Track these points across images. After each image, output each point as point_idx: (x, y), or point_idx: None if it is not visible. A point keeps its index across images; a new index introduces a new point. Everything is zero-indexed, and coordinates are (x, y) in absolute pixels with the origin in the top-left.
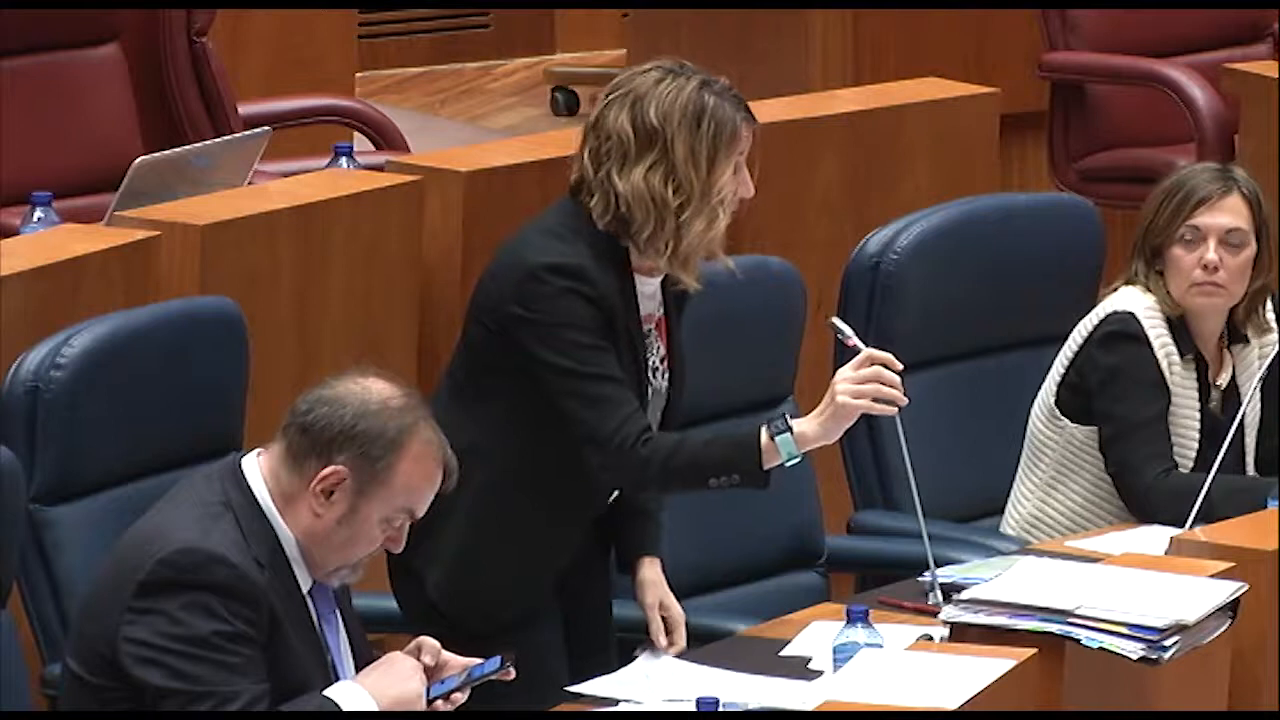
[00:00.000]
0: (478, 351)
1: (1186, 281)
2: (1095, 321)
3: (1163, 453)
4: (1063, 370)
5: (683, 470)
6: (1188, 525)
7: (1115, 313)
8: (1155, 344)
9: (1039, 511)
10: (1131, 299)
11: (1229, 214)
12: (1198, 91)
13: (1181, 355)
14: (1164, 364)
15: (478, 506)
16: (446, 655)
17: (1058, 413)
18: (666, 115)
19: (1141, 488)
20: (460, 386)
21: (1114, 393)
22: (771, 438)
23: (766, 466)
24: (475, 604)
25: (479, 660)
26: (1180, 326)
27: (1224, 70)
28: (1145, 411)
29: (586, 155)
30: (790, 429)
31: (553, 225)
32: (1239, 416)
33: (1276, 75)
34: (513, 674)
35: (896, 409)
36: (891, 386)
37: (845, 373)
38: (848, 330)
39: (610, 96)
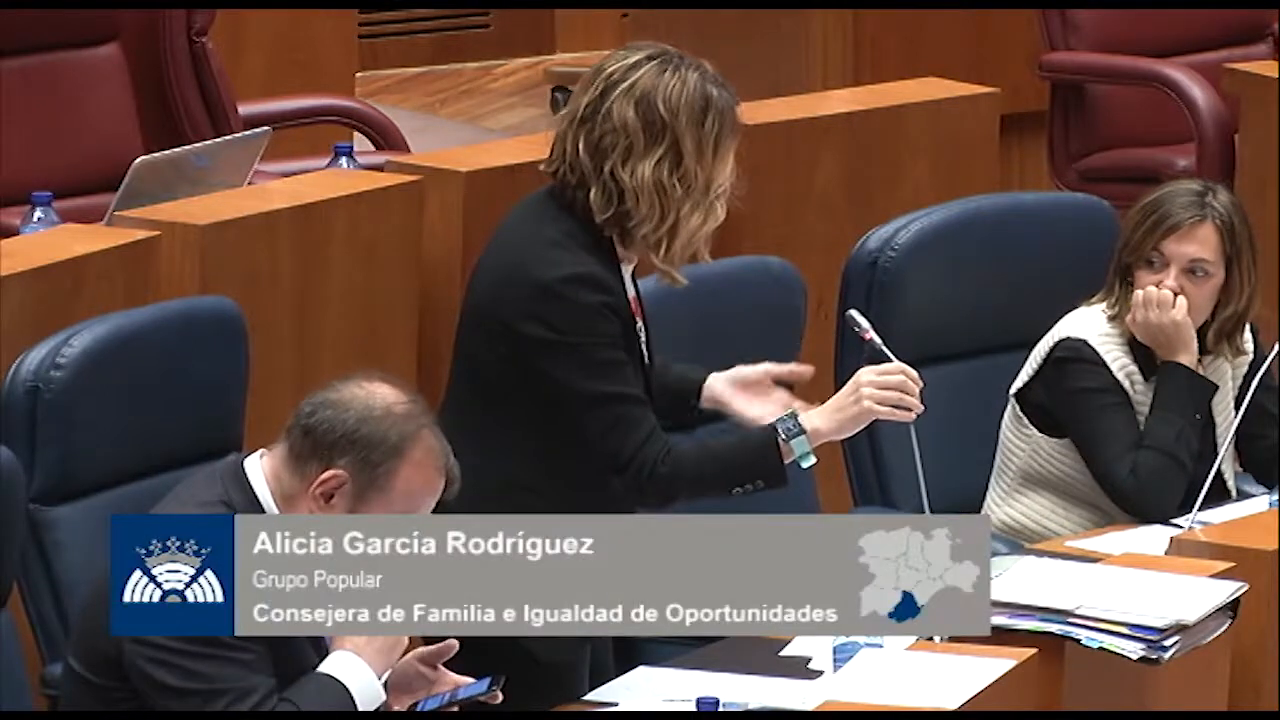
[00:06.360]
0: (492, 382)
1: None
2: (1049, 345)
3: (1122, 453)
4: (1021, 387)
5: (706, 484)
6: (1193, 515)
7: (1068, 339)
8: (1113, 367)
9: (1008, 518)
10: (1085, 324)
11: (1196, 244)
12: (1198, 91)
13: (1145, 376)
14: (1125, 384)
15: None
16: (442, 669)
17: (1025, 421)
18: (675, 109)
19: (1120, 492)
20: (476, 418)
21: (1074, 414)
22: (787, 440)
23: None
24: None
25: (469, 680)
26: (1142, 346)
27: (1224, 70)
28: (1102, 422)
29: (582, 148)
30: (803, 430)
31: (549, 233)
32: (1221, 428)
33: (1276, 75)
34: (500, 697)
35: (913, 415)
36: (913, 397)
37: (870, 376)
38: (865, 324)
39: (603, 88)
